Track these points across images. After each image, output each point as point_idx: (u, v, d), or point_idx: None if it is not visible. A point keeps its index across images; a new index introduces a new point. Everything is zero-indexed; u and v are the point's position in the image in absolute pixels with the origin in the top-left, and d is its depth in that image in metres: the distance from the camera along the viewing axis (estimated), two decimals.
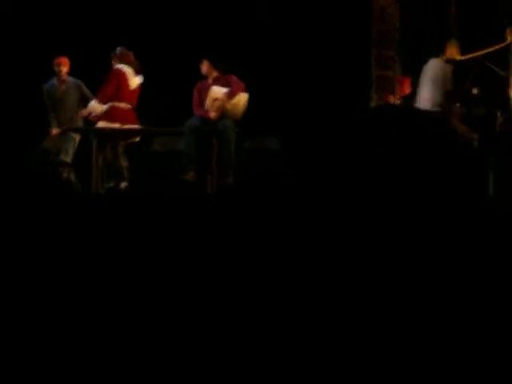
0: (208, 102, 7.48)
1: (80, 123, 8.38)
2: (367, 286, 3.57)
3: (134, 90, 7.94)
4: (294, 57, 9.59)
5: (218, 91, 7.51)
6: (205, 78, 7.85)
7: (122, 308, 3.47)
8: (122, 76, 7.82)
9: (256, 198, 6.66)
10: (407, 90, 9.08)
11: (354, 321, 3.33)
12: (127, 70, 7.87)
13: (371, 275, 3.67)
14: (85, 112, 7.98)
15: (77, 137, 8.36)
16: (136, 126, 7.91)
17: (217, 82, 7.69)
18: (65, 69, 8.31)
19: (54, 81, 8.41)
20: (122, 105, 7.83)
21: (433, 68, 7.88)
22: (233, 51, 9.22)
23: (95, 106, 7.78)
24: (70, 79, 8.38)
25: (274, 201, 6.46)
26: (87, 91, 8.37)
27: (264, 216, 5.60)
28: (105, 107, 7.72)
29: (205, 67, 7.77)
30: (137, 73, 7.96)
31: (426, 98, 7.75)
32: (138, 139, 8.06)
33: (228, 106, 7.50)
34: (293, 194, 7.02)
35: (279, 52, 9.61)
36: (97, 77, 8.13)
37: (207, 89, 7.71)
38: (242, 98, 7.63)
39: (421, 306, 3.39)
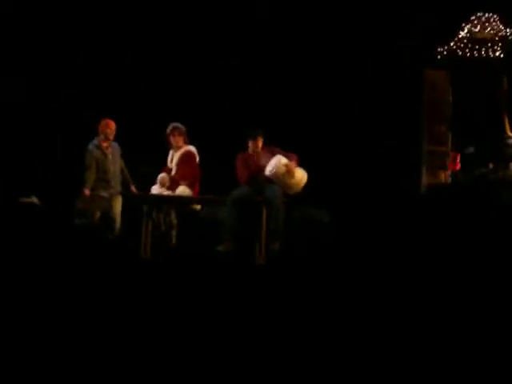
0: (275, 167, 7.46)
1: (119, 187, 8.45)
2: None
3: None
4: (346, 131, 9.64)
5: (284, 158, 7.56)
6: (245, 149, 7.94)
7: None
8: (195, 157, 8.07)
9: (302, 271, 6.62)
10: (458, 165, 9.02)
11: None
12: (194, 149, 8.12)
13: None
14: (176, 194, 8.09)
15: (118, 200, 8.39)
16: (185, 194, 7.97)
17: (262, 154, 7.75)
18: (113, 133, 8.40)
19: (98, 142, 8.37)
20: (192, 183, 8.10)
21: None
22: (284, 124, 9.32)
23: (186, 191, 7.93)
24: (114, 143, 8.46)
25: (320, 274, 6.40)
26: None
27: (309, 289, 5.53)
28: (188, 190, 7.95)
29: (260, 144, 7.87)
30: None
31: None
32: (197, 207, 8.12)
33: (294, 178, 7.54)
34: (340, 266, 6.96)
35: (331, 125, 9.67)
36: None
37: (254, 159, 7.75)
38: (305, 176, 7.66)
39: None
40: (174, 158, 8.17)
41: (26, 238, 7.83)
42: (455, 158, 9.02)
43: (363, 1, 9.83)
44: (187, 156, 8.08)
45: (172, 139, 8.12)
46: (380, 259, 6.97)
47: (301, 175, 7.62)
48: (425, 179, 8.87)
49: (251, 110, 9.88)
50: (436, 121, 8.95)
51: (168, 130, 8.12)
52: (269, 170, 7.53)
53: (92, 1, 10.19)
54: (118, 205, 8.42)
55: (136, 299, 5.01)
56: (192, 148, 8.14)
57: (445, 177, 8.75)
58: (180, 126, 8.17)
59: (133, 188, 8.50)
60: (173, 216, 8.16)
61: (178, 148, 8.14)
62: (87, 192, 8.22)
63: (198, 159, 8.14)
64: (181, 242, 8.01)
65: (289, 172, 7.51)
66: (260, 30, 10.06)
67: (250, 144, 7.89)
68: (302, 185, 7.67)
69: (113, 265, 6.71)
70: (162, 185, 7.99)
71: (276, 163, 7.52)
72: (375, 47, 9.77)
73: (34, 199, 8.88)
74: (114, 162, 8.41)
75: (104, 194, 8.32)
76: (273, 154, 7.67)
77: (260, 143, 7.88)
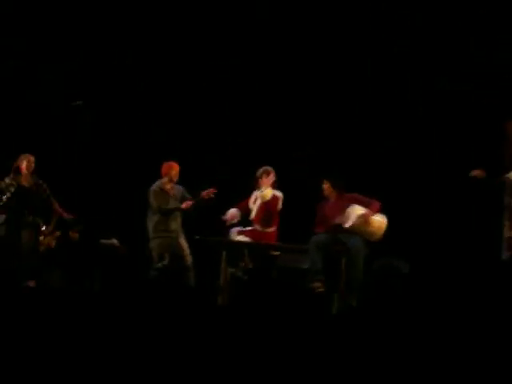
0: (352, 219, 7.42)
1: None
2: None
3: None
4: (425, 182, 9.54)
5: (361, 208, 7.49)
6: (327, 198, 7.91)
7: None
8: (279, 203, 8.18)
9: (376, 325, 6.52)
10: None
11: None
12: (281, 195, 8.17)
13: None
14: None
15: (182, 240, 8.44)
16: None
17: (341, 201, 7.69)
18: (177, 175, 8.49)
19: (161, 185, 8.44)
20: (271, 229, 8.12)
21: None
22: (359, 173, 9.29)
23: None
24: (178, 186, 8.53)
25: (397, 328, 6.29)
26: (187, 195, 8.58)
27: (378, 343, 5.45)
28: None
29: (326, 187, 7.84)
30: None
31: None
32: (276, 253, 8.14)
33: (373, 227, 7.47)
34: (417, 320, 6.84)
35: (411, 179, 9.60)
36: None
37: (332, 208, 7.72)
38: (384, 222, 7.58)
39: None
40: (257, 200, 8.18)
41: (106, 279, 7.95)
42: None
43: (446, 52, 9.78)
44: (274, 201, 8.12)
45: (261, 182, 8.17)
46: (456, 317, 6.83)
47: (379, 223, 7.54)
48: (506, 233, 8.67)
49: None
50: None
51: (258, 173, 8.19)
52: (345, 222, 7.49)
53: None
54: (185, 245, 8.44)
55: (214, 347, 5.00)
56: (279, 194, 8.17)
57: None
58: (268, 168, 8.21)
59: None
60: (247, 261, 8.17)
61: (265, 191, 8.17)
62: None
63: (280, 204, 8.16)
64: (258, 290, 8.00)
65: (366, 222, 7.44)
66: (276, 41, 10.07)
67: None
68: (382, 232, 7.59)
69: (190, 313, 6.73)
70: (231, 218, 8.03)
71: (351, 214, 7.47)
72: (456, 97, 9.70)
73: (115, 241, 9.02)
74: (176, 202, 8.47)
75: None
76: (349, 202, 7.61)
77: (326, 188, 7.83)
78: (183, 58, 10.41)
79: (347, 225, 7.42)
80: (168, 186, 8.42)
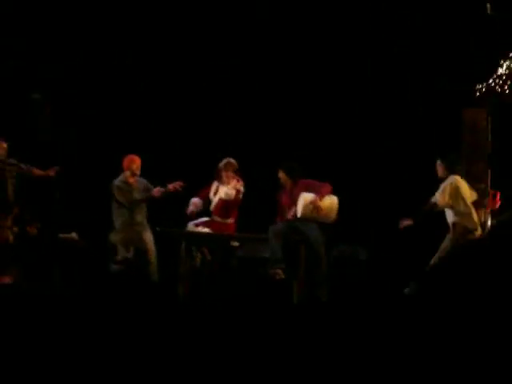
0: (302, 207, 7.49)
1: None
2: None
3: None
4: (383, 170, 9.63)
5: (308, 195, 7.55)
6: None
7: None
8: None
9: (342, 313, 6.58)
10: (498, 203, 8.93)
11: None
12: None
13: None
14: None
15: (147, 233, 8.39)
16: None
17: (296, 189, 7.75)
18: (139, 168, 8.42)
19: (124, 179, 8.41)
20: (230, 220, 8.12)
21: None
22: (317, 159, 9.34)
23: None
24: (141, 178, 8.46)
25: (358, 316, 6.35)
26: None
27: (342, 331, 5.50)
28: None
29: (281, 176, 7.89)
30: None
31: None
32: (236, 244, 8.15)
33: (323, 209, 7.53)
34: (375, 304, 6.91)
35: (367, 164, 9.68)
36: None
37: (288, 196, 7.78)
38: (334, 201, 7.66)
39: None
40: (219, 192, 8.18)
41: (66, 274, 7.90)
42: (494, 196, 8.93)
43: (403, 40, 9.85)
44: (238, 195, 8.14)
45: (224, 174, 8.16)
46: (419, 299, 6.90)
47: (329, 204, 7.62)
48: None
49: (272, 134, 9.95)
50: (475, 158, 8.90)
51: (221, 165, 8.18)
52: (297, 211, 7.56)
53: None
54: (150, 239, 8.40)
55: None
56: (241, 188, 8.18)
57: (484, 215, 8.66)
58: (232, 161, 8.21)
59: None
60: (206, 252, 8.18)
61: (227, 184, 8.17)
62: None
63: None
64: (218, 280, 8.02)
65: (316, 207, 7.51)
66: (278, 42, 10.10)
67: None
68: (335, 212, 7.67)
69: (151, 304, 6.72)
70: (194, 207, 8.01)
71: (301, 203, 7.54)
72: (414, 84, 9.78)
73: (74, 235, 8.97)
74: (139, 195, 8.40)
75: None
76: (306, 190, 7.67)
77: (281, 176, 7.88)
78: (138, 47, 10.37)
79: (299, 214, 7.50)
80: (131, 180, 8.37)
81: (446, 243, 7.32)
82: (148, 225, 8.41)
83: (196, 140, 10.30)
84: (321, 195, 7.56)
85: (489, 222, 8.84)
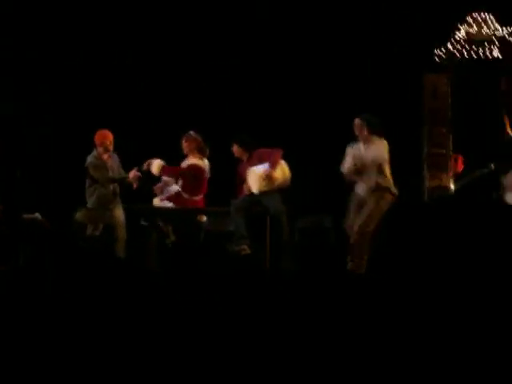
0: (255, 182, 7.48)
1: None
2: None
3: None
4: (345, 134, 9.62)
5: (257, 170, 7.53)
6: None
7: None
8: (203, 173, 8.04)
9: (308, 283, 6.63)
10: (460, 167, 9.03)
11: None
12: (204, 164, 8.06)
13: None
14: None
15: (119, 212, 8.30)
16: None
17: (251, 160, 7.73)
18: (112, 143, 8.28)
19: (96, 153, 8.19)
20: (197, 197, 8.03)
21: None
22: (280, 127, 9.35)
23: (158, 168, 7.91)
24: (114, 154, 8.34)
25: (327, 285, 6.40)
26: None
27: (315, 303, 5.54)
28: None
29: (235, 149, 7.87)
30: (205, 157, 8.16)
31: None
32: (204, 219, 8.11)
33: (278, 178, 7.52)
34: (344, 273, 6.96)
35: (329, 128, 9.67)
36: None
37: (243, 169, 7.75)
38: (284, 166, 7.65)
39: None
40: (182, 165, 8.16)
41: (30, 256, 7.84)
42: (456, 160, 9.03)
43: (357, 5, 9.83)
44: (190, 169, 8.07)
45: (183, 146, 8.13)
46: (386, 264, 6.98)
47: (281, 172, 7.62)
48: (427, 182, 8.88)
49: (252, 116, 9.91)
50: (436, 123, 8.97)
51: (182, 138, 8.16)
52: (252, 187, 7.55)
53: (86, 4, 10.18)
54: (120, 216, 8.34)
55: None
56: (200, 163, 8.10)
57: (447, 179, 8.76)
58: (191, 133, 8.13)
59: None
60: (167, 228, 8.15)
61: (186, 157, 8.13)
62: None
63: (205, 173, 8.10)
64: (187, 255, 8.02)
65: (269, 179, 7.50)
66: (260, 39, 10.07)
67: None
68: (288, 177, 7.65)
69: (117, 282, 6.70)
70: (147, 167, 7.94)
71: (254, 179, 7.53)
72: (374, 51, 9.78)
73: (37, 215, 8.87)
74: (113, 172, 8.30)
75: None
76: (260, 160, 7.64)
77: (235, 150, 7.86)
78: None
79: (254, 190, 7.49)
80: (105, 156, 8.18)
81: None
82: (120, 201, 8.30)
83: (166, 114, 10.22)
84: (273, 165, 7.53)
85: (452, 186, 8.95)
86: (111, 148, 8.15)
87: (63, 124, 10.15)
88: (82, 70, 10.24)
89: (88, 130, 8.39)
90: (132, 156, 8.39)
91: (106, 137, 8.11)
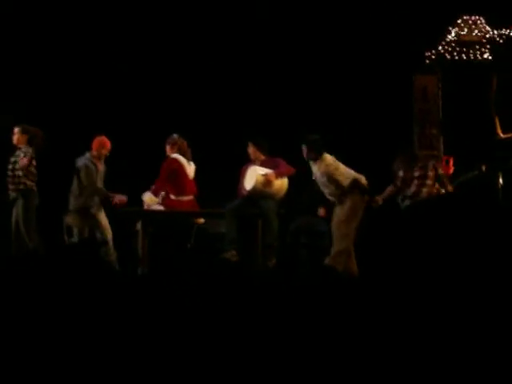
0: (253, 181, 7.48)
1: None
2: None
3: (192, 179, 8.06)
4: (337, 136, 9.66)
5: (259, 169, 7.55)
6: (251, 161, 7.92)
7: None
8: (183, 168, 7.97)
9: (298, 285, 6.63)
10: (451, 169, 9.05)
11: None
12: (182, 159, 7.98)
13: None
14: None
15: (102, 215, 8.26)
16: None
17: (264, 164, 7.72)
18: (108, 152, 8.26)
19: (90, 157, 8.11)
20: (185, 198, 7.98)
21: None
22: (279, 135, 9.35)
23: (151, 199, 7.85)
24: (103, 164, 8.29)
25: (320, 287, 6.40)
26: None
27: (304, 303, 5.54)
28: (158, 199, 7.85)
29: (251, 151, 7.84)
30: (188, 160, 8.07)
31: None
32: (201, 221, 8.10)
33: (275, 186, 7.53)
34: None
35: (321, 130, 9.70)
36: None
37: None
38: (285, 182, 7.68)
39: None
40: None
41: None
42: (448, 162, 9.05)
43: (349, 7, 9.86)
44: (169, 163, 8.03)
45: (167, 150, 8.12)
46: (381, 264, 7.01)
47: (280, 182, 7.63)
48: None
49: (252, 117, 9.93)
50: (427, 125, 9.01)
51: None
52: (247, 184, 7.55)
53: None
54: (103, 218, 8.28)
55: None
56: (176, 156, 8.08)
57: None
58: (174, 136, 8.11)
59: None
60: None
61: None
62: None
63: (186, 170, 8.04)
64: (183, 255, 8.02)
65: (267, 182, 7.51)
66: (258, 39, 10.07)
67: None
68: (283, 192, 7.68)
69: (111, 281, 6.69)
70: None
71: (252, 176, 7.53)
72: (364, 52, 9.80)
73: None
74: (103, 177, 8.29)
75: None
76: (273, 165, 7.65)
77: (251, 150, 7.85)
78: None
79: (248, 187, 7.50)
80: (98, 163, 8.16)
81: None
82: (101, 206, 8.25)
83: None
84: (278, 174, 7.54)
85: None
86: (106, 156, 8.13)
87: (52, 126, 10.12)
88: (74, 73, 10.21)
89: (77, 133, 8.39)
90: (127, 159, 8.42)
91: (104, 145, 8.07)
